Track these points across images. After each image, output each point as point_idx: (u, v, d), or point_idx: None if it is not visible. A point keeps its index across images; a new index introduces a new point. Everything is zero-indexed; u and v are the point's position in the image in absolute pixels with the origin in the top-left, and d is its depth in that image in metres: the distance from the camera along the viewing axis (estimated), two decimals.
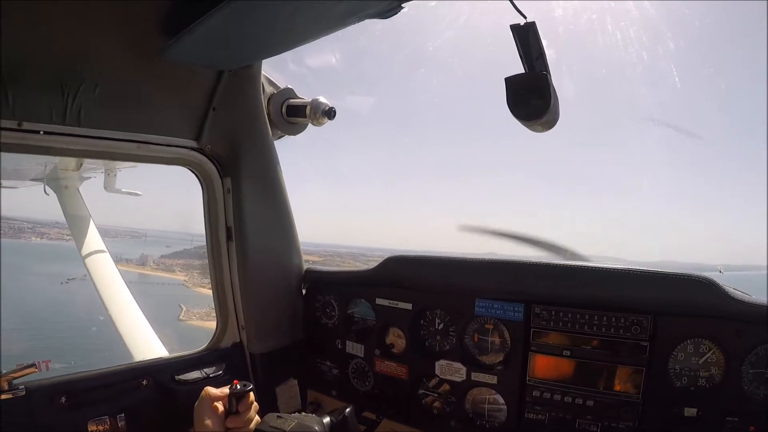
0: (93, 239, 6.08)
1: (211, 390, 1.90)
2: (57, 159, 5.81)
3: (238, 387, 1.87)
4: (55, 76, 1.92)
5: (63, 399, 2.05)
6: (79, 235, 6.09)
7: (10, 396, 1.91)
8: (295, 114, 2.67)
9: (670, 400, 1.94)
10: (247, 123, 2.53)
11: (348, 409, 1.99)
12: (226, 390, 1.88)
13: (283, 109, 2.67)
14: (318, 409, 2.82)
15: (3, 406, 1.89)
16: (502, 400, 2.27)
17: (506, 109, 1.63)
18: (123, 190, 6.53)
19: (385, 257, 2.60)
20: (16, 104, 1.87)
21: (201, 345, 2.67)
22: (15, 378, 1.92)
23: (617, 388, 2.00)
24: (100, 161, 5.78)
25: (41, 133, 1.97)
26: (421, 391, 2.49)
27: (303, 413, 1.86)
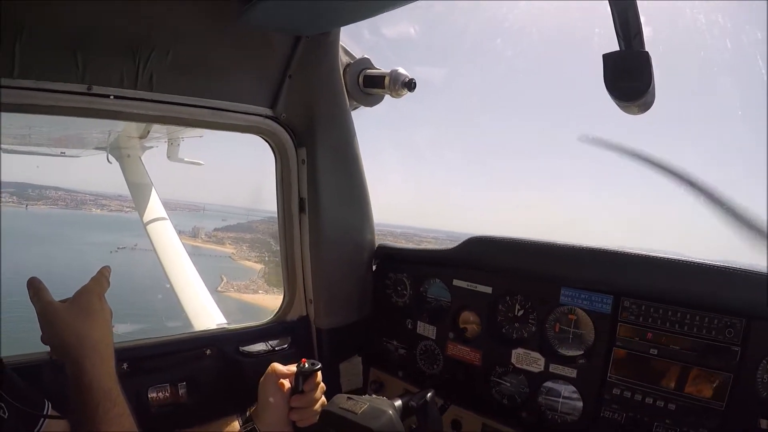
0: (154, 207, 6.22)
1: (278, 367, 1.87)
2: (121, 127, 5.95)
3: (306, 365, 1.83)
4: (126, 41, 1.88)
5: (125, 365, 2.05)
6: (140, 203, 6.25)
7: None
8: (372, 85, 2.57)
9: (752, 410, 1.77)
10: (325, 92, 2.45)
11: (429, 394, 1.91)
12: (293, 368, 1.85)
13: (360, 80, 2.58)
14: (380, 389, 2.76)
15: (64, 370, 1.92)
16: (577, 395, 2.14)
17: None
18: (186, 159, 6.61)
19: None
20: (86, 68, 1.84)
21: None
22: None
23: (701, 393, 1.84)
24: (164, 131, 5.89)
25: (111, 97, 1.95)
26: (492, 379, 2.38)
27: (373, 395, 1.78)
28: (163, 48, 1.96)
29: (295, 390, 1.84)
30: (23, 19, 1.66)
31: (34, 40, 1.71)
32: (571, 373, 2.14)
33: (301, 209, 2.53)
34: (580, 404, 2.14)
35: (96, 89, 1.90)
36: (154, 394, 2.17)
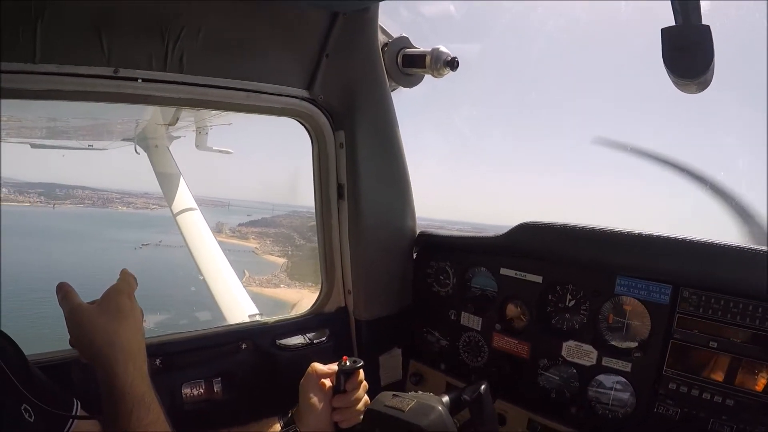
0: (184, 197, 6.21)
1: (318, 366, 1.82)
2: (148, 116, 5.93)
3: (347, 364, 1.77)
4: (154, 19, 1.78)
5: (158, 361, 2.01)
6: (169, 192, 6.26)
7: None
8: (411, 64, 2.47)
9: None
10: (364, 72, 2.35)
11: (483, 386, 1.82)
12: (334, 367, 1.79)
13: (399, 59, 2.48)
14: (420, 382, 2.67)
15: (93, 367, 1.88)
16: (624, 387, 2.03)
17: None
18: (214, 148, 6.58)
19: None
20: (112, 50, 1.74)
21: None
22: None
23: (762, 388, 1.72)
24: (191, 119, 5.86)
25: (139, 80, 1.85)
26: (540, 372, 2.27)
27: (419, 391, 1.71)
28: (194, 27, 1.86)
29: (336, 389, 1.78)
30: None
31: (56, 22, 1.61)
32: (625, 366, 2.02)
33: (340, 196, 2.44)
34: (626, 396, 2.03)
35: (123, 72, 1.81)
36: (188, 390, 2.12)
